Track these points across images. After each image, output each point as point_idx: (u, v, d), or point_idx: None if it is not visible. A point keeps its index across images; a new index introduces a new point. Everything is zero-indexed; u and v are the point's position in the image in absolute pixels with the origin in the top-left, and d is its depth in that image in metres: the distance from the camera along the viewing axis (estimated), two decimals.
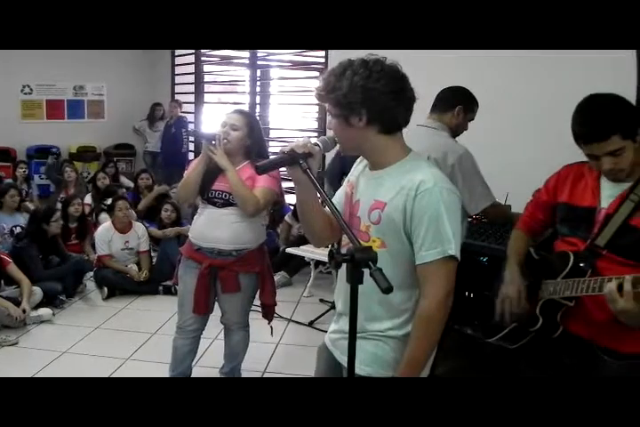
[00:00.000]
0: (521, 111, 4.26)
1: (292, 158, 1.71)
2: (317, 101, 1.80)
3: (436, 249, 1.67)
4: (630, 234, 1.90)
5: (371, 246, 1.52)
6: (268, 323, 3.39)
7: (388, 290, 1.40)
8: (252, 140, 3.06)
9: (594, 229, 1.97)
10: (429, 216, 1.66)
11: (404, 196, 1.69)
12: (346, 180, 1.96)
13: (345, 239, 1.86)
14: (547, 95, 4.02)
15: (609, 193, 1.98)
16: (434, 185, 1.67)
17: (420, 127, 3.01)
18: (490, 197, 2.96)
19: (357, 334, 1.55)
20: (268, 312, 3.37)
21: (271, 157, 2.30)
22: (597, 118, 1.86)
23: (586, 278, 1.92)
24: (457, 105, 3.05)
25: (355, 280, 1.47)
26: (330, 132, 1.87)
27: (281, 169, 2.02)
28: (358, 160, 1.94)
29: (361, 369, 1.75)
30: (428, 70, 3.90)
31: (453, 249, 1.67)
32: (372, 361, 1.79)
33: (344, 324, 1.85)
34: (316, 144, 1.76)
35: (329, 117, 1.79)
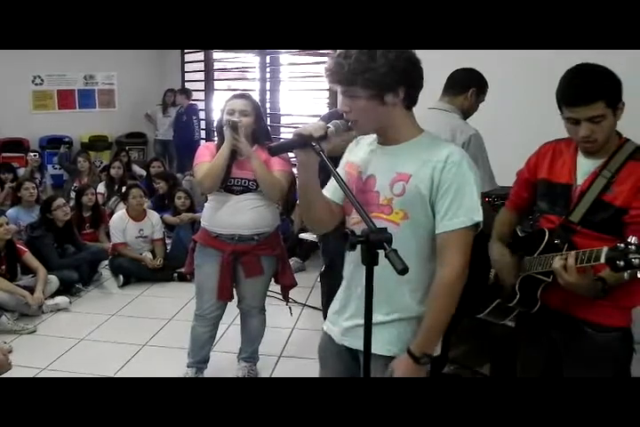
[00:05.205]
0: (532, 96, 4.21)
1: (305, 141, 1.70)
2: (335, 84, 1.73)
3: (459, 218, 1.70)
4: (603, 210, 1.93)
5: (385, 228, 1.50)
6: (287, 304, 3.43)
7: (403, 271, 1.40)
8: (258, 123, 3.06)
9: (570, 205, 2.01)
10: (456, 187, 1.70)
11: (431, 168, 1.72)
12: (343, 162, 1.95)
13: (351, 219, 1.86)
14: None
15: (584, 170, 2.00)
16: (461, 158, 1.74)
17: (432, 110, 2.99)
18: (488, 184, 2.86)
19: (375, 324, 1.57)
20: (287, 293, 3.41)
21: (282, 140, 2.29)
22: (587, 81, 1.87)
23: (553, 254, 1.95)
24: (471, 87, 3.03)
25: (370, 262, 1.47)
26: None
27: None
28: (354, 142, 1.95)
29: (387, 350, 1.78)
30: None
31: (480, 216, 1.71)
32: (397, 340, 1.80)
33: (350, 312, 1.87)
34: (328, 127, 1.75)
35: (342, 100, 1.76)
